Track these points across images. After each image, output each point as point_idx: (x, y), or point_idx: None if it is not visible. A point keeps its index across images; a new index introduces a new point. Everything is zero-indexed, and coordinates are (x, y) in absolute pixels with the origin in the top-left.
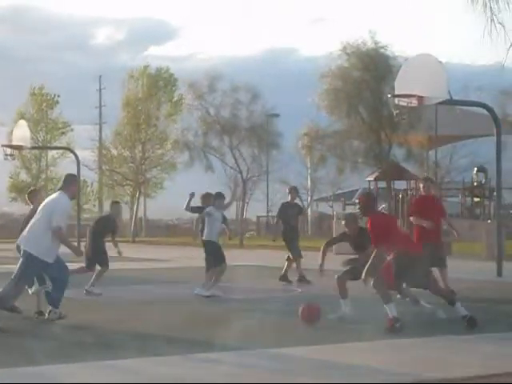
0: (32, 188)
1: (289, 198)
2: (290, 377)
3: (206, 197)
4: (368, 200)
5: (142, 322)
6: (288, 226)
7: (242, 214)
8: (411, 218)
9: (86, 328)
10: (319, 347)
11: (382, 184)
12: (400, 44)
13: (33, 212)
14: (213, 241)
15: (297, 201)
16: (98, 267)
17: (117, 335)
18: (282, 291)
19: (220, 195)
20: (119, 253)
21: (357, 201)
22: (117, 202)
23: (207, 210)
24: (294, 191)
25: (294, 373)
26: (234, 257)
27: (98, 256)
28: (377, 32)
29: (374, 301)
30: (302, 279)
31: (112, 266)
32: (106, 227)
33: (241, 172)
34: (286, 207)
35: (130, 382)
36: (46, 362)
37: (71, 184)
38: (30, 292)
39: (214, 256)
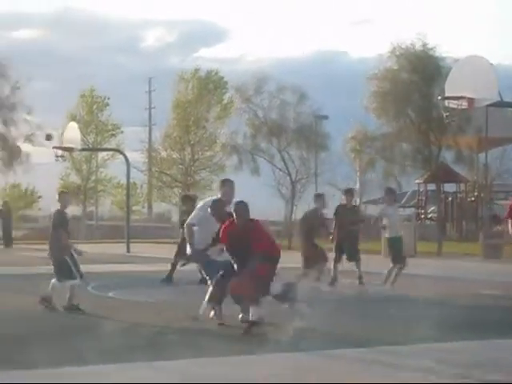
0: (62, 189)
1: (344, 201)
2: (341, 378)
3: (185, 199)
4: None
5: (192, 322)
6: (342, 230)
7: (291, 216)
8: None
9: (136, 328)
10: (374, 349)
11: (432, 187)
12: (449, 45)
13: (59, 213)
14: (398, 236)
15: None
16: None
17: (167, 336)
18: (330, 293)
19: (391, 191)
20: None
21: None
22: (321, 194)
23: (383, 209)
24: (348, 193)
25: (345, 374)
26: (282, 259)
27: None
28: (426, 33)
29: (423, 303)
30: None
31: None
32: (314, 223)
33: (289, 174)
34: (340, 210)
35: (176, 382)
36: (94, 362)
37: (221, 187)
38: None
39: (398, 252)
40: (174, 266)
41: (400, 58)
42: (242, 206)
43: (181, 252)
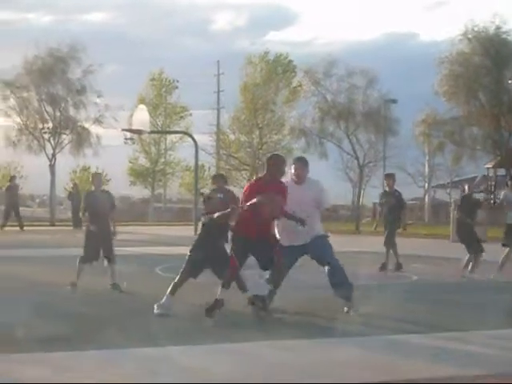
0: (95, 171)
1: (386, 187)
2: (403, 362)
3: (216, 178)
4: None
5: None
6: (383, 214)
7: (358, 200)
8: None
9: (203, 310)
10: (437, 335)
11: (502, 172)
12: None
13: (85, 196)
14: None
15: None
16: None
17: (236, 318)
18: (397, 277)
19: None
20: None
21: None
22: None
23: (506, 195)
24: (388, 178)
25: (406, 359)
26: (350, 243)
27: (473, 241)
28: (500, 16)
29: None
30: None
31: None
32: (473, 205)
33: (357, 158)
34: (382, 196)
35: (247, 365)
36: (160, 344)
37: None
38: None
39: None
40: None
41: (472, 41)
42: (281, 159)
43: None
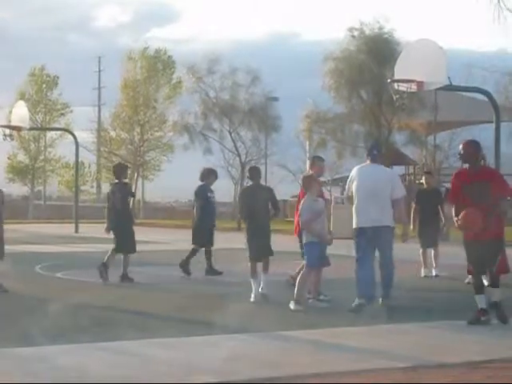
0: None
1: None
2: (287, 358)
3: (206, 173)
4: None
5: (140, 303)
6: None
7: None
8: None
9: (83, 309)
10: (320, 331)
11: None
12: (405, 29)
13: None
14: None
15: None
16: None
17: (114, 317)
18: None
19: None
20: None
21: None
22: None
23: None
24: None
25: (290, 354)
26: (231, 239)
27: None
28: (382, 16)
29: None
30: None
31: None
32: None
33: (239, 155)
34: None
35: (125, 363)
36: (42, 343)
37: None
38: None
39: None
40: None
41: (357, 39)
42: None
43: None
